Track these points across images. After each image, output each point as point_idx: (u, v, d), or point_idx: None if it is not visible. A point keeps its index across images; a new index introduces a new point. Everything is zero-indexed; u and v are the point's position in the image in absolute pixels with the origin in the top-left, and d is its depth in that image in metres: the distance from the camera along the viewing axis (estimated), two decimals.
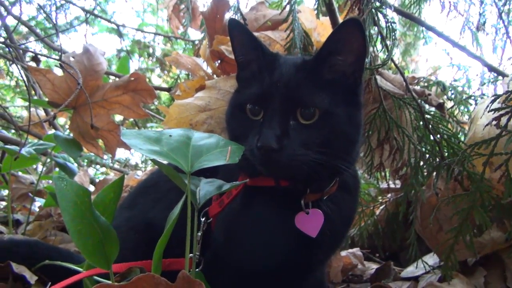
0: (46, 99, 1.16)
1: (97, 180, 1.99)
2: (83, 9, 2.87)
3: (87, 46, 1.13)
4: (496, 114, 0.60)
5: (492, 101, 0.62)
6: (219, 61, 1.03)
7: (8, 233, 1.18)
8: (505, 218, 0.82)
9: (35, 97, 1.75)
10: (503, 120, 0.62)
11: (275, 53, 0.70)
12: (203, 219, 0.69)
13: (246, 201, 0.68)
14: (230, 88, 0.87)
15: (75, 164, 1.25)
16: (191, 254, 0.59)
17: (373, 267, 1.18)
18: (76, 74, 1.00)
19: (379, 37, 0.76)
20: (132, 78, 1.09)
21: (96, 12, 3.05)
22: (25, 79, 1.13)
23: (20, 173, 1.61)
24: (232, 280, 0.68)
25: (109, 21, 3.35)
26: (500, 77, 1.07)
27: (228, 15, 1.02)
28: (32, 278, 0.89)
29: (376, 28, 0.76)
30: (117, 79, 1.42)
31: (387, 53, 0.73)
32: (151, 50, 3.98)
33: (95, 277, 0.64)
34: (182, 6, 2.85)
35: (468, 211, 0.75)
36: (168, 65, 4.11)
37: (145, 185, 0.91)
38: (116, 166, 2.84)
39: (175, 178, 0.52)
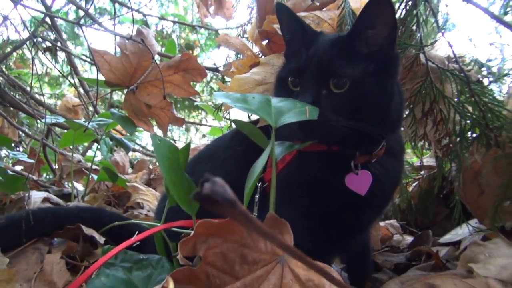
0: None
1: (135, 162, 2.08)
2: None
3: (141, 29, 1.20)
4: None
5: None
6: (266, 41, 1.09)
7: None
8: None
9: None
10: None
11: (317, 32, 0.77)
12: (259, 184, 0.76)
13: (300, 165, 0.75)
14: (282, 64, 0.94)
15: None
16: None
17: (408, 238, 1.24)
18: (138, 52, 1.07)
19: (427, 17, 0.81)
20: (184, 58, 1.16)
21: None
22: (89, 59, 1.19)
23: (67, 152, 1.71)
24: None
25: (137, 10, 3.43)
26: None
27: None
28: (100, 238, 0.98)
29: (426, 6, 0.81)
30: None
31: (437, 30, 0.79)
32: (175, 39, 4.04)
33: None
34: None
35: (509, 179, 0.81)
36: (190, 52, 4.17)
37: (203, 155, 0.98)
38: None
39: (255, 135, 0.59)
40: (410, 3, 0.80)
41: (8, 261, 0.80)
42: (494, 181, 0.83)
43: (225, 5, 2.95)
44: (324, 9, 1.02)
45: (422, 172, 1.44)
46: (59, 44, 2.32)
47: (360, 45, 0.67)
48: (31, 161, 1.75)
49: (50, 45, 2.92)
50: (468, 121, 0.82)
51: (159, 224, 0.76)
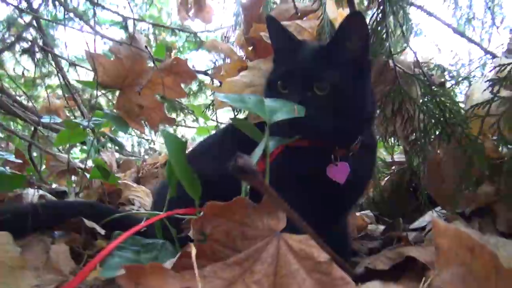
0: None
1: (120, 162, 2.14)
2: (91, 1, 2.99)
3: (133, 35, 1.28)
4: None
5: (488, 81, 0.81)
6: (252, 46, 1.19)
7: None
8: (495, 176, 1.00)
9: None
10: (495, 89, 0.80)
11: (301, 41, 0.88)
12: None
13: (287, 157, 0.85)
14: (267, 69, 1.04)
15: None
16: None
17: (381, 227, 1.36)
18: (130, 56, 1.15)
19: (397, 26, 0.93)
20: (175, 62, 1.25)
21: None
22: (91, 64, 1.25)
23: (56, 152, 1.76)
24: None
25: (117, 13, 3.46)
26: (490, 61, 1.25)
27: None
28: (101, 230, 1.05)
29: (392, 19, 0.93)
30: None
31: (403, 40, 0.91)
32: (152, 41, 4.08)
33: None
34: None
35: (466, 167, 0.94)
36: (168, 54, 4.24)
37: (196, 151, 1.07)
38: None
39: (252, 131, 0.68)
40: (380, 15, 0.92)
41: (20, 250, 0.86)
42: (453, 172, 0.95)
43: (204, 9, 3.04)
44: (305, 19, 1.13)
45: (394, 168, 1.58)
46: (41, 45, 2.36)
47: (339, 54, 0.78)
48: (19, 161, 1.79)
49: (27, 45, 2.94)
50: (431, 120, 0.94)
51: (161, 213, 0.84)
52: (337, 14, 1.14)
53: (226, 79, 1.02)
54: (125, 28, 3.84)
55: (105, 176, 1.34)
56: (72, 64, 2.67)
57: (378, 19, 0.93)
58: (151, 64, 1.25)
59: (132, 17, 3.95)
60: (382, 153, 1.64)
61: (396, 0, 0.87)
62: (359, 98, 0.78)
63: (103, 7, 3.25)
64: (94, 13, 3.12)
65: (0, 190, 1.20)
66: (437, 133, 0.95)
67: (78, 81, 1.77)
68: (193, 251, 0.50)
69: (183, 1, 2.96)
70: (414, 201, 1.49)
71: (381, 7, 0.89)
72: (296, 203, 0.83)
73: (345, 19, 0.77)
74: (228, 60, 1.23)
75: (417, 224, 1.18)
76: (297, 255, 0.58)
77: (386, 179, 1.56)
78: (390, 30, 0.93)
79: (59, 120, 1.42)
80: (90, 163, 1.75)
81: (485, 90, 0.85)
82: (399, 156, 1.58)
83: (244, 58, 1.24)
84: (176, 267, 0.57)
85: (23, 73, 4.15)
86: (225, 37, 1.50)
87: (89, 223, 1.05)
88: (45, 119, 1.37)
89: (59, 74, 1.85)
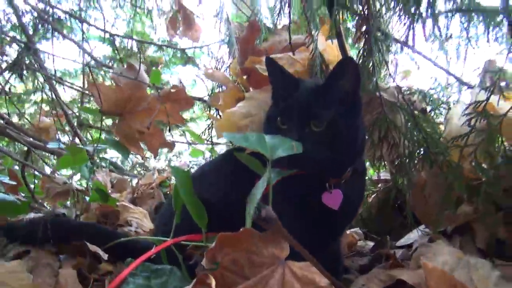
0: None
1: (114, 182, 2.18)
2: (79, 19, 3.02)
3: (132, 63, 1.34)
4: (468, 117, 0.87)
5: (465, 109, 0.89)
6: (247, 76, 1.27)
7: None
8: (473, 197, 1.08)
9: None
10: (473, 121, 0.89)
11: (298, 79, 0.95)
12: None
13: (285, 186, 0.92)
14: (263, 99, 1.11)
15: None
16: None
17: (370, 243, 1.44)
18: (130, 83, 1.21)
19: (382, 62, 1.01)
20: (173, 90, 1.31)
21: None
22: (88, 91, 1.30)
23: (56, 175, 1.79)
24: None
25: (104, 30, 3.51)
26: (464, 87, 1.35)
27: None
28: (104, 255, 1.10)
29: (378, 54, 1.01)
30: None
31: (388, 73, 0.99)
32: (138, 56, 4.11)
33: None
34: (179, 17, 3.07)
35: (447, 190, 1.02)
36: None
37: (196, 176, 1.14)
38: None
39: (255, 165, 0.75)
40: (366, 52, 1.00)
41: (32, 277, 0.90)
42: (435, 194, 1.04)
43: (193, 27, 3.11)
44: (296, 51, 1.21)
45: (380, 185, 1.66)
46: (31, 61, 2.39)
47: (333, 93, 0.85)
48: (13, 183, 1.81)
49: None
50: (415, 147, 1.03)
51: (168, 239, 0.90)
52: (326, 46, 1.22)
53: (225, 109, 1.09)
54: (113, 44, 3.90)
55: (105, 199, 1.39)
56: (59, 81, 2.70)
57: (365, 54, 1.01)
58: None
59: (118, 33, 3.99)
60: (368, 171, 1.72)
61: (381, 38, 0.96)
62: (352, 133, 0.85)
63: (89, 24, 3.29)
64: (83, 32, 3.17)
65: (6, 216, 1.23)
66: (420, 159, 1.03)
67: (81, 109, 1.80)
68: (213, 283, 0.56)
69: (172, 20, 3.03)
70: (399, 217, 1.57)
71: (367, 45, 0.97)
72: (294, 228, 0.90)
73: (338, 63, 0.85)
74: (223, 88, 1.30)
75: (403, 241, 1.26)
76: (300, 281, 0.65)
77: (373, 196, 1.65)
78: (376, 64, 1.01)
79: (62, 146, 1.46)
80: (84, 183, 1.80)
81: (463, 115, 0.94)
82: (384, 174, 1.67)
83: (238, 85, 1.32)
84: None
85: (9, 89, 4.14)
86: (218, 60, 1.58)
87: (92, 247, 1.10)
88: (52, 145, 1.40)
89: (51, 91, 1.89)
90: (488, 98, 0.85)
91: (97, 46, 4.02)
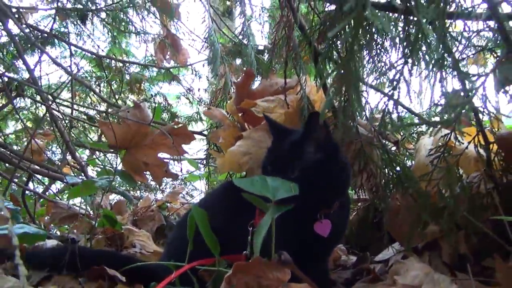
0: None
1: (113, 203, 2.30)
2: (69, 43, 3.14)
3: (138, 103, 1.49)
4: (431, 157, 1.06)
5: (429, 152, 1.08)
6: (242, 114, 1.44)
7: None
8: (438, 217, 1.27)
9: None
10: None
11: (287, 131, 1.12)
12: (251, 228, 1.09)
13: (283, 216, 1.09)
14: (258, 137, 1.28)
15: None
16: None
17: (352, 257, 1.62)
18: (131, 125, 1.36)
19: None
20: (175, 126, 1.46)
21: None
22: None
23: (58, 200, 1.90)
24: None
25: (94, 54, 3.62)
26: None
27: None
28: (122, 278, 1.24)
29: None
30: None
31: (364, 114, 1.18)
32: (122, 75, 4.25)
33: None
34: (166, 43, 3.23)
35: (417, 214, 1.21)
36: (137, 87, 4.46)
37: (201, 205, 1.29)
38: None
39: (260, 203, 0.92)
40: (346, 101, 1.18)
41: None
42: (407, 217, 1.22)
43: (180, 52, 3.27)
44: (287, 93, 1.38)
45: (359, 204, 1.85)
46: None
47: (307, 145, 1.03)
48: (17, 208, 1.92)
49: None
50: (389, 179, 1.21)
51: (183, 264, 1.05)
52: (310, 88, 1.40)
53: (225, 146, 1.26)
54: (100, 65, 4.02)
55: (112, 224, 1.53)
56: (53, 100, 2.80)
57: (345, 103, 1.19)
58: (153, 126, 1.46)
59: (105, 55, 4.10)
60: (349, 191, 1.91)
61: (359, 89, 1.13)
62: (329, 177, 1.03)
63: (77, 47, 3.41)
64: (71, 54, 3.28)
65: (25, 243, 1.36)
66: (394, 188, 1.22)
67: (92, 145, 1.93)
68: None
69: (161, 45, 3.18)
70: (377, 232, 1.76)
71: (346, 95, 1.15)
72: (288, 251, 1.07)
73: (308, 118, 1.03)
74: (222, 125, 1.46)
75: (381, 256, 1.45)
76: None
77: (354, 214, 1.83)
78: (354, 110, 1.19)
79: (79, 180, 1.58)
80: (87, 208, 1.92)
81: (426, 156, 1.13)
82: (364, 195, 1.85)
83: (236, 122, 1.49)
84: None
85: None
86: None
87: (110, 271, 1.24)
88: (73, 180, 1.52)
89: (49, 115, 2.00)
90: (446, 142, 1.04)
91: (83, 64, 4.14)
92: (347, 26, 0.93)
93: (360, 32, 0.87)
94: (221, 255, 1.02)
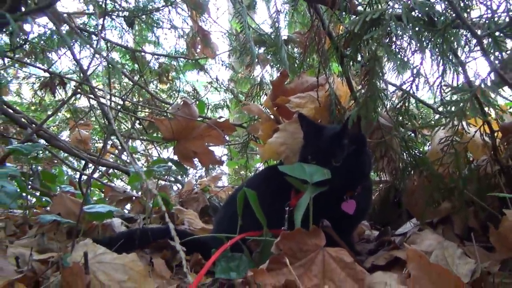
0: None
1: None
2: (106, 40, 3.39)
3: (186, 101, 1.72)
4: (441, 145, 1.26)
5: (439, 141, 1.28)
6: (277, 108, 1.65)
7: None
8: (451, 196, 1.47)
9: None
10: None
11: (322, 127, 1.33)
12: (287, 208, 1.31)
13: (318, 197, 1.31)
14: (293, 130, 1.49)
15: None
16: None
17: (375, 232, 1.83)
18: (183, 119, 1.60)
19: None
20: (219, 120, 1.69)
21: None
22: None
23: (114, 184, 2.18)
24: None
25: (129, 48, 3.89)
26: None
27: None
28: (182, 248, 1.49)
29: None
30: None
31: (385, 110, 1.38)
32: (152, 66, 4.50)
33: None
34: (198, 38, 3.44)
35: (430, 193, 1.41)
36: (166, 77, 4.71)
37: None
38: None
39: (299, 185, 1.14)
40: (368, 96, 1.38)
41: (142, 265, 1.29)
42: (422, 196, 1.43)
43: (210, 45, 3.49)
44: (315, 90, 1.59)
45: (381, 185, 2.05)
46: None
47: (344, 139, 1.23)
48: (78, 192, 2.21)
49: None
50: (407, 163, 1.42)
51: (235, 235, 1.28)
52: (337, 84, 1.60)
53: (264, 138, 1.48)
54: (134, 57, 4.28)
55: (166, 205, 1.78)
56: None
57: (368, 96, 1.39)
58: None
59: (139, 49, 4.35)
60: (372, 174, 2.11)
61: (379, 88, 1.33)
62: (360, 164, 1.24)
63: (113, 43, 3.68)
64: (108, 49, 3.54)
65: (96, 221, 1.62)
66: (411, 171, 1.43)
67: (149, 137, 2.19)
68: (287, 261, 0.95)
69: (193, 41, 3.40)
70: (397, 210, 1.97)
71: (370, 91, 1.34)
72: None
73: (346, 119, 1.23)
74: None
75: (401, 230, 1.65)
76: (335, 260, 1.04)
77: (376, 194, 2.04)
78: (377, 105, 1.39)
79: (143, 170, 1.83)
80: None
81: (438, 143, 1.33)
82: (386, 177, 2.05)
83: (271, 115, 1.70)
84: (269, 269, 1.02)
85: (40, 102, 4.55)
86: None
87: (173, 243, 1.49)
88: (134, 169, 1.78)
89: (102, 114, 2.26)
90: (454, 132, 1.24)
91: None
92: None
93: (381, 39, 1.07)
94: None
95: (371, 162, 1.32)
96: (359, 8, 1.38)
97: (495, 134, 1.35)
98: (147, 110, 4.03)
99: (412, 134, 1.61)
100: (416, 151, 1.41)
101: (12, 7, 1.58)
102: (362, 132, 1.27)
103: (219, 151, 2.79)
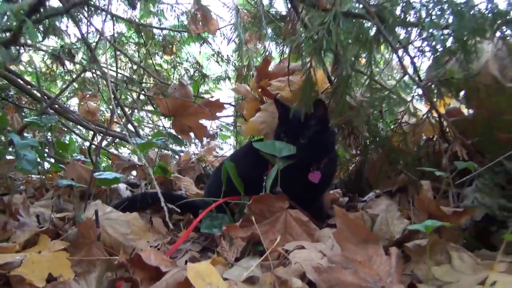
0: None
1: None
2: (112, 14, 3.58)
3: (182, 81, 1.95)
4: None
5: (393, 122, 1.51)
6: (261, 90, 1.88)
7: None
8: (406, 168, 1.71)
9: None
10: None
11: (289, 108, 1.56)
12: (265, 177, 1.57)
13: (287, 169, 1.55)
14: (273, 110, 1.73)
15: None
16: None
17: (346, 199, 2.09)
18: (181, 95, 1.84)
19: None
20: (211, 99, 1.93)
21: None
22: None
23: (120, 153, 2.44)
24: None
25: (134, 22, 4.07)
26: None
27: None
28: (177, 210, 1.77)
29: None
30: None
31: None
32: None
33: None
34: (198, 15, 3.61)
35: (389, 165, 1.66)
36: (169, 49, 4.89)
37: (231, 157, 1.78)
38: None
39: (271, 158, 1.39)
40: (340, 83, 1.60)
41: (142, 222, 1.57)
42: (379, 168, 1.67)
43: (210, 22, 3.67)
44: (294, 74, 1.81)
45: (357, 158, 2.30)
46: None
47: (312, 120, 1.47)
48: (88, 160, 2.48)
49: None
50: (369, 140, 1.65)
51: (219, 199, 1.55)
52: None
53: (248, 115, 1.72)
54: (139, 32, 4.47)
55: (165, 172, 2.05)
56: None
57: (338, 83, 1.61)
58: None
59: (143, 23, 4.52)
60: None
61: (350, 73, 1.55)
62: (324, 142, 1.48)
63: (119, 17, 3.87)
64: (114, 24, 3.72)
65: (104, 186, 1.90)
66: (372, 146, 1.67)
67: (149, 112, 2.43)
68: (253, 219, 1.21)
69: (193, 18, 3.58)
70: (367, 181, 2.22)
71: (338, 82, 1.57)
72: (290, 192, 1.55)
73: (314, 103, 1.46)
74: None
75: (366, 197, 1.92)
76: (294, 219, 1.30)
77: (353, 166, 2.29)
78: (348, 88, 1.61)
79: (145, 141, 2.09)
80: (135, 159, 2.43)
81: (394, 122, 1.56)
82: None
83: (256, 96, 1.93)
84: (241, 226, 1.29)
85: (50, 72, 4.77)
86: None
87: (170, 205, 1.76)
88: (139, 141, 2.04)
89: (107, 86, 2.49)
90: (403, 115, 1.47)
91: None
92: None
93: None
94: (245, 195, 1.51)
95: (334, 139, 1.56)
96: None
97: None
98: (152, 81, 4.27)
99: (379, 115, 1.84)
100: (377, 131, 1.64)
101: None
102: (327, 114, 1.50)
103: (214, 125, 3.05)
